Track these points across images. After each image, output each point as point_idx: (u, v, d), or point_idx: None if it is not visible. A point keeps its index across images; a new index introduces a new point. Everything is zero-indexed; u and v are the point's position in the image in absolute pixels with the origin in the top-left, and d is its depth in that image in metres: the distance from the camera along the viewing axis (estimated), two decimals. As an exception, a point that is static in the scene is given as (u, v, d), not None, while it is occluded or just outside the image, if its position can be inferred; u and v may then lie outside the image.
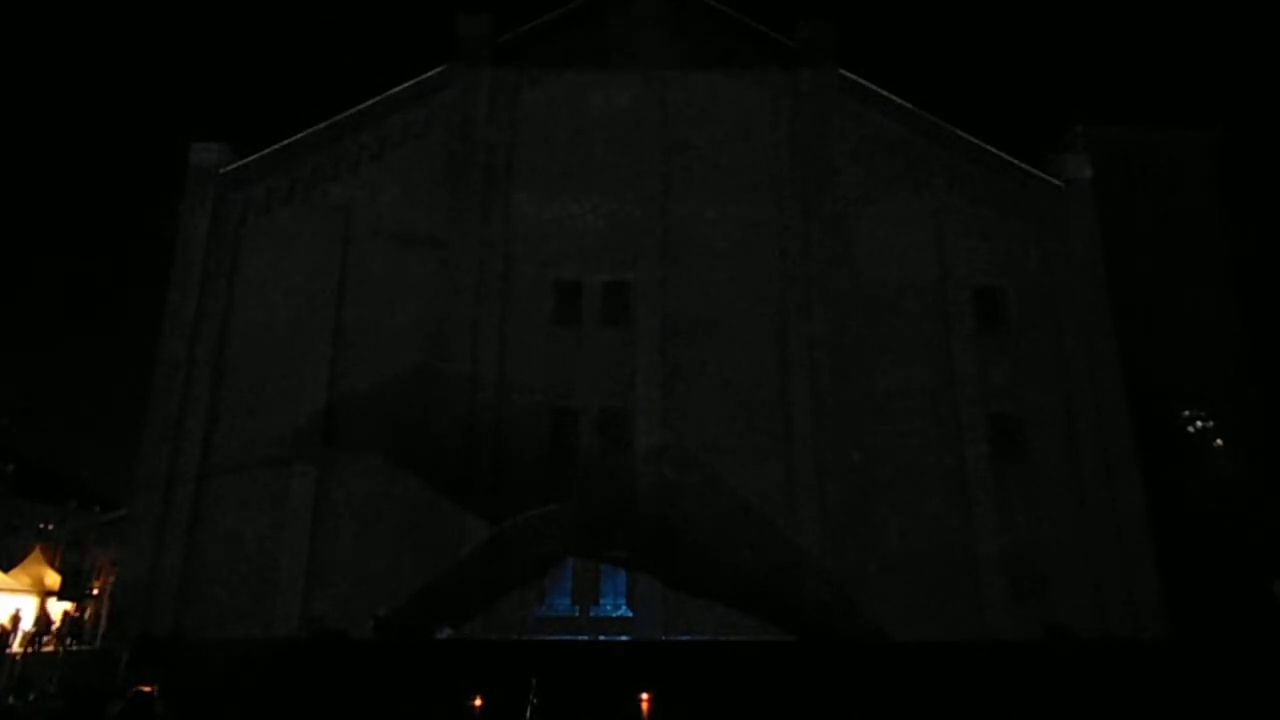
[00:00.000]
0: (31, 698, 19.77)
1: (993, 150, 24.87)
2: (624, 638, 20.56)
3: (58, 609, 30.25)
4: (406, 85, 24.96)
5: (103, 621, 26.57)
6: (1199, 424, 25.39)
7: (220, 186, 24.28)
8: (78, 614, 30.25)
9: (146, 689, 9.14)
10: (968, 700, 16.56)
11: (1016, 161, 24.95)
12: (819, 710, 16.48)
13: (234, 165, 24.55)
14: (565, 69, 25.28)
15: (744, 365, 22.90)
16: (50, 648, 24.15)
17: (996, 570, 21.49)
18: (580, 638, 20.50)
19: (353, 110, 24.81)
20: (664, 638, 20.48)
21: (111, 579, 28.54)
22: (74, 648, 24.00)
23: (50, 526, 53.01)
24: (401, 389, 22.40)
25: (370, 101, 24.84)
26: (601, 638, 20.57)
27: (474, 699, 16.15)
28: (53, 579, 31.41)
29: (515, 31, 25.42)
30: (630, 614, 21.06)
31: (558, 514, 21.38)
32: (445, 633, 20.25)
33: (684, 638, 20.39)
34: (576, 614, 21.09)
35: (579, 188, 24.25)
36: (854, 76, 25.17)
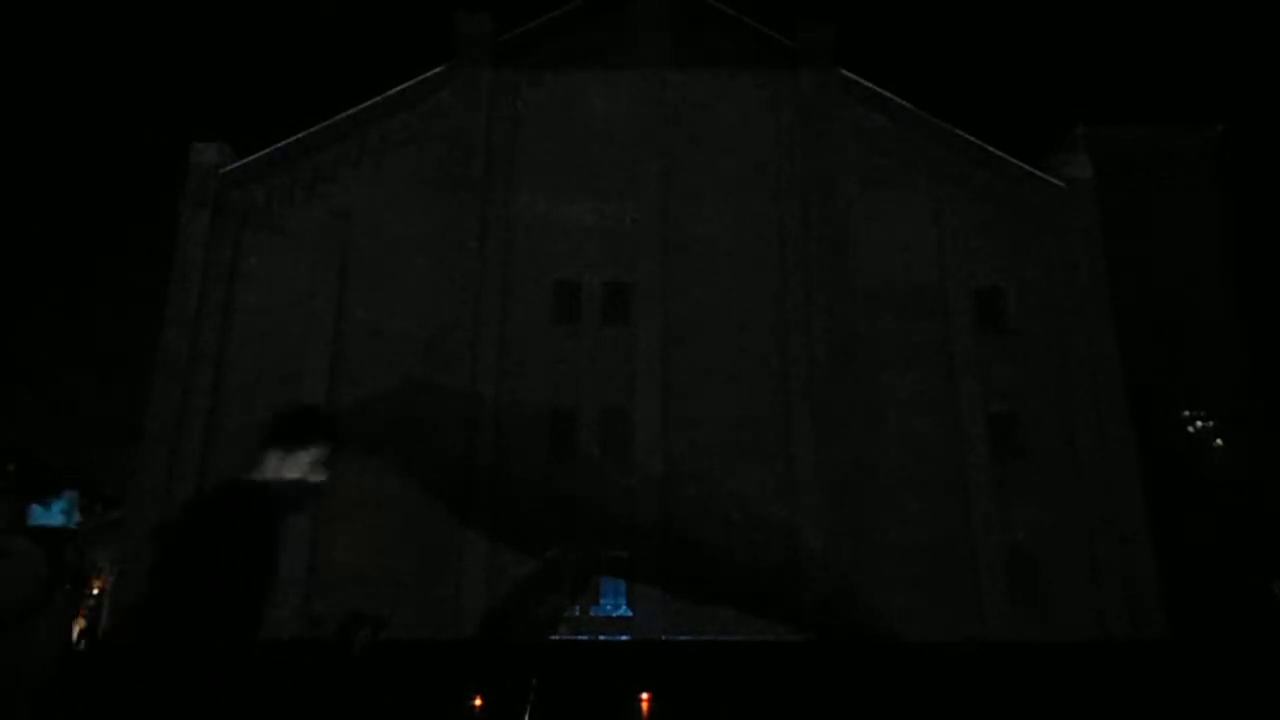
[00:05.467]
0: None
1: (993, 150, 24.87)
2: (624, 638, 20.58)
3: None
4: (406, 85, 24.95)
5: (103, 621, 26.57)
6: (1199, 424, 25.36)
7: (220, 186, 24.28)
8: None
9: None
10: (968, 700, 16.57)
11: (1017, 161, 24.95)
12: (819, 710, 16.49)
13: (234, 165, 24.54)
14: (565, 69, 25.28)
15: (744, 365, 22.90)
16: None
17: (996, 570, 21.49)
18: (580, 638, 20.52)
19: (353, 110, 24.78)
20: (664, 638, 20.49)
21: (111, 579, 28.52)
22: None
23: (50, 526, 52.95)
24: (401, 389, 22.40)
25: (370, 101, 24.82)
26: (601, 638, 20.59)
27: (474, 699, 16.17)
28: (53, 579, 31.34)
29: (515, 31, 25.41)
30: (630, 614, 21.06)
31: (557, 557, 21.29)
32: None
33: (684, 638, 20.40)
34: (576, 614, 21.09)
35: (579, 188, 24.25)
36: (854, 76, 25.18)
